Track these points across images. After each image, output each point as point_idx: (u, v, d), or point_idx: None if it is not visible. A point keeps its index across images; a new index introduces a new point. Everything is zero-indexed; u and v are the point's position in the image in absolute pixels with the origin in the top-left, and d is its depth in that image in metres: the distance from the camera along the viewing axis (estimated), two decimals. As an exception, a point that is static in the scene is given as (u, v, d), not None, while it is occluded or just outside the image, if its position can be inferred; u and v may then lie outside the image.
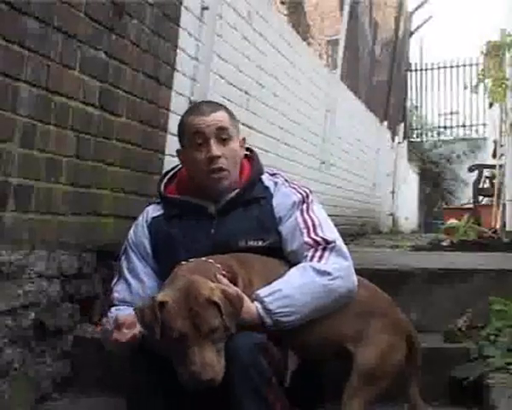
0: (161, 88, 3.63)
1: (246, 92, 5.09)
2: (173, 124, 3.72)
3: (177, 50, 3.84)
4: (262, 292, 2.03)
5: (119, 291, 2.25)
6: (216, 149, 2.21)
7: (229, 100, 4.62)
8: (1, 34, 2.29)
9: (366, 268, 2.25)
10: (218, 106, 2.34)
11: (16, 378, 2.47)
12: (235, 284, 2.02)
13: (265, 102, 5.60)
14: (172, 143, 3.74)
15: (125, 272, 2.26)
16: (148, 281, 2.23)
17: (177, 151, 2.34)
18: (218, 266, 2.03)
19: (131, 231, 2.32)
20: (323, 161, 7.56)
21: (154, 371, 1.93)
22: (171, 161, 3.62)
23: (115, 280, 2.29)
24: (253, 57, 5.25)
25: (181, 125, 2.31)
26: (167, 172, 2.39)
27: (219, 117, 2.25)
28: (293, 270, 2.11)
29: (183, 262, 2.06)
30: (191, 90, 4.08)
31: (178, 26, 3.83)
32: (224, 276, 2.02)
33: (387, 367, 2.13)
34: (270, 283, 2.06)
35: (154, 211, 2.32)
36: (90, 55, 2.86)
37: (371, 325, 2.15)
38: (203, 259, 2.06)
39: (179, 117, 2.39)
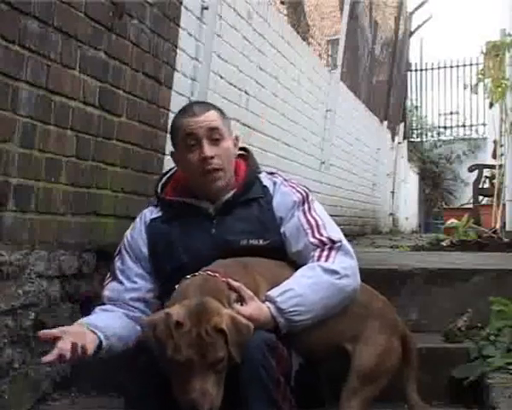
0: (161, 88, 3.63)
1: (246, 92, 5.09)
2: (173, 124, 3.73)
3: (177, 50, 3.84)
4: (273, 292, 2.04)
5: (110, 290, 2.25)
6: (208, 149, 2.21)
7: (228, 100, 4.63)
8: (1, 34, 2.29)
9: (366, 268, 2.25)
10: (208, 106, 2.34)
11: (16, 378, 2.47)
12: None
13: (265, 102, 5.60)
14: (172, 143, 3.75)
15: (118, 272, 2.26)
16: (140, 283, 2.24)
17: (171, 153, 2.35)
18: (223, 279, 2.01)
19: (128, 233, 2.32)
20: (323, 160, 7.56)
21: (153, 373, 1.92)
22: (171, 161, 3.62)
23: (108, 280, 2.29)
24: (253, 57, 5.25)
25: (173, 128, 2.32)
26: (164, 174, 2.40)
27: (211, 117, 2.25)
28: (302, 270, 2.11)
29: (188, 276, 2.04)
30: (191, 90, 4.08)
31: (178, 26, 3.83)
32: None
33: (385, 367, 2.14)
34: (276, 285, 2.06)
35: (151, 213, 2.32)
36: (89, 55, 2.86)
37: (369, 325, 2.16)
38: (209, 272, 2.03)
39: (179, 117, 2.39)
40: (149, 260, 2.25)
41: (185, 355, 1.81)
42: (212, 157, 2.21)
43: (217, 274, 2.02)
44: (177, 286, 2.03)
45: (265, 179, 2.31)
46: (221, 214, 2.24)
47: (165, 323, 1.84)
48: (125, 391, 2.04)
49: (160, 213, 2.30)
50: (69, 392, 2.77)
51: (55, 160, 2.66)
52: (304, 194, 2.26)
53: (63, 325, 2.72)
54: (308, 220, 2.20)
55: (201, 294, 1.93)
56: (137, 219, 2.33)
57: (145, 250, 2.26)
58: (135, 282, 2.24)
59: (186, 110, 2.32)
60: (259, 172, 2.34)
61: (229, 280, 2.00)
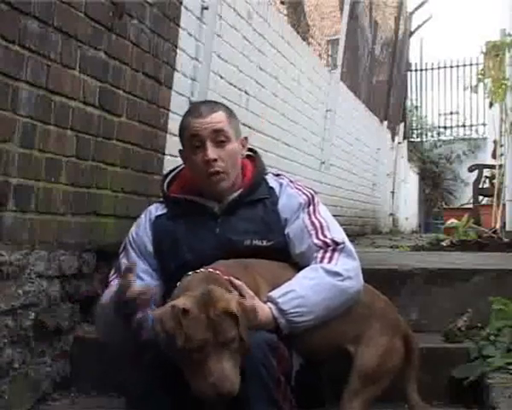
0: (161, 88, 3.63)
1: (246, 92, 5.09)
2: (173, 124, 3.73)
3: (177, 50, 3.84)
4: (275, 293, 2.04)
5: (115, 285, 2.24)
6: (212, 152, 2.20)
7: (228, 100, 4.62)
8: (1, 34, 2.29)
9: (366, 268, 2.25)
10: (216, 106, 2.31)
11: (16, 378, 2.47)
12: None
13: (265, 102, 5.60)
14: (172, 143, 3.75)
15: (123, 268, 2.25)
16: (146, 279, 2.22)
17: (180, 152, 2.34)
18: (225, 277, 2.01)
19: (133, 229, 2.32)
20: (323, 160, 7.56)
21: (158, 367, 1.91)
22: (171, 161, 3.63)
23: (113, 277, 2.28)
24: (253, 57, 5.25)
25: (181, 127, 2.31)
26: (170, 172, 2.39)
27: (217, 119, 2.24)
28: (304, 271, 2.11)
29: (190, 273, 2.03)
30: (191, 90, 4.08)
31: (178, 26, 3.83)
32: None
33: (387, 368, 2.14)
34: (277, 287, 2.06)
35: (157, 210, 2.32)
36: (89, 55, 2.86)
37: (370, 325, 2.16)
38: (210, 269, 2.03)
39: (179, 117, 2.39)
40: (154, 256, 2.25)
41: (197, 339, 1.79)
42: (215, 159, 2.20)
43: (218, 272, 2.02)
44: (178, 283, 2.03)
45: (271, 181, 2.32)
46: (226, 214, 2.24)
47: (171, 314, 1.83)
48: (127, 391, 2.03)
49: (165, 210, 2.30)
50: (69, 392, 2.77)
51: (55, 160, 2.66)
52: (310, 196, 2.26)
53: (63, 325, 2.74)
54: (312, 222, 2.21)
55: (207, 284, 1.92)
56: (142, 216, 2.33)
57: (150, 247, 2.26)
58: (141, 278, 2.21)
59: (193, 110, 2.32)
60: (266, 174, 2.34)
61: (232, 278, 2.00)
